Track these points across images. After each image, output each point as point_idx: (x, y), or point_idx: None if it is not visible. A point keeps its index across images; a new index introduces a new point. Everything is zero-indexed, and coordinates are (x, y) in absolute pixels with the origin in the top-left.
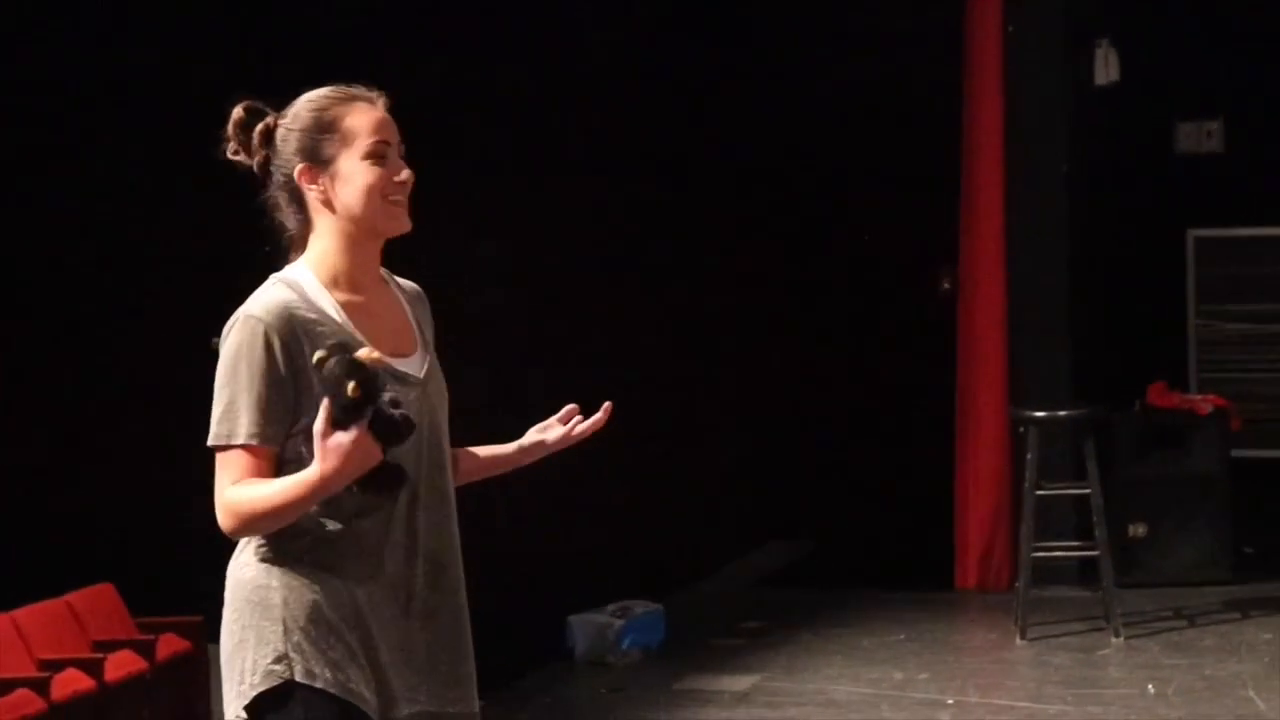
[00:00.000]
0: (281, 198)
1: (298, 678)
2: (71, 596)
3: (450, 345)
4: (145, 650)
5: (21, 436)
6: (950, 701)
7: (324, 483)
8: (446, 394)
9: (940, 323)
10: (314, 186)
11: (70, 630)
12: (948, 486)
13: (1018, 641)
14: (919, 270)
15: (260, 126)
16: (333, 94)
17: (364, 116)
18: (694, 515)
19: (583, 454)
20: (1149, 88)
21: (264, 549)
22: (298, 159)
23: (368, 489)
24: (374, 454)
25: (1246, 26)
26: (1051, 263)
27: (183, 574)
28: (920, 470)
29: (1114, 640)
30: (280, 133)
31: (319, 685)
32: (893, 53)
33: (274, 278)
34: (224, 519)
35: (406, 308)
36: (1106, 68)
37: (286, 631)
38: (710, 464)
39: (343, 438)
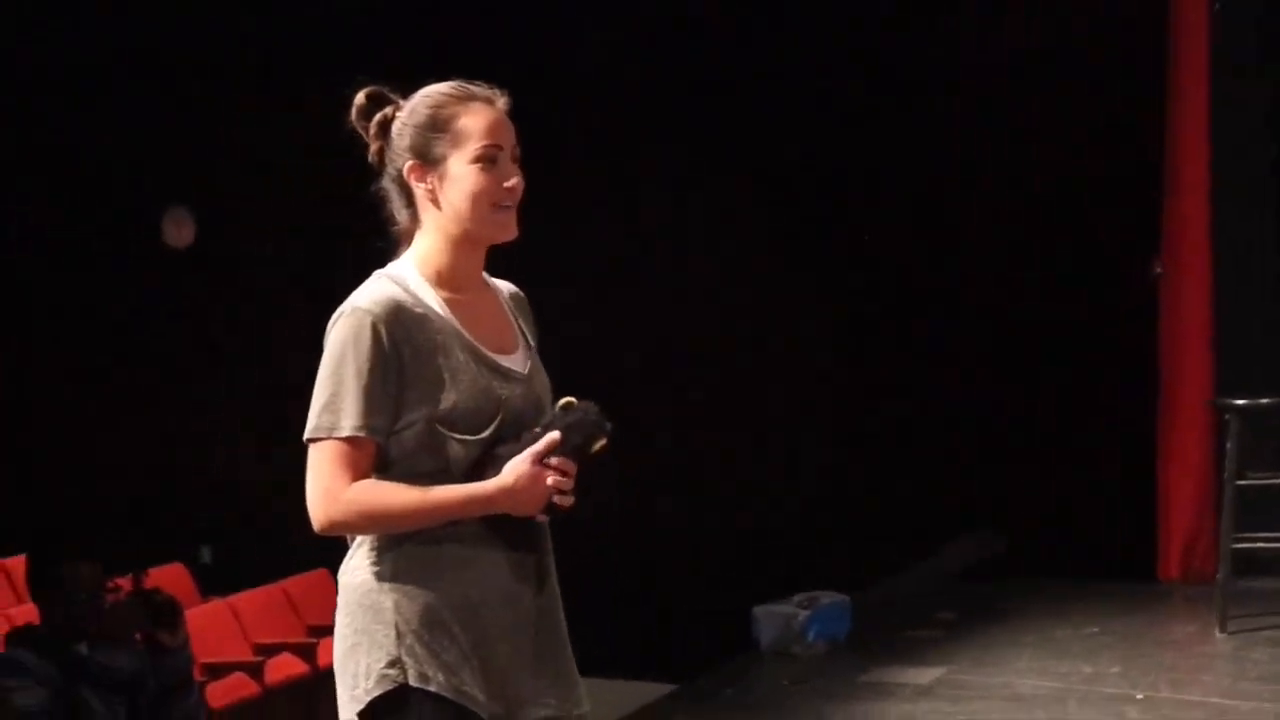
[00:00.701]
0: (393, 190)
1: (411, 681)
2: (287, 582)
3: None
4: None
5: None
6: (1140, 696)
7: (494, 502)
8: (550, 393)
9: (1143, 311)
10: (422, 184)
11: (286, 615)
12: (1152, 475)
13: (1217, 635)
14: (1124, 258)
15: (379, 116)
16: (451, 91)
17: (478, 118)
18: (894, 507)
19: (775, 446)
20: None
21: (375, 553)
22: (409, 155)
23: (499, 525)
24: (542, 499)
25: None
26: (1259, 247)
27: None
28: (1125, 459)
29: None
30: (396, 125)
31: (433, 689)
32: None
33: (379, 273)
34: (339, 514)
35: (507, 307)
36: None
37: (399, 635)
38: (907, 456)
39: (548, 476)
